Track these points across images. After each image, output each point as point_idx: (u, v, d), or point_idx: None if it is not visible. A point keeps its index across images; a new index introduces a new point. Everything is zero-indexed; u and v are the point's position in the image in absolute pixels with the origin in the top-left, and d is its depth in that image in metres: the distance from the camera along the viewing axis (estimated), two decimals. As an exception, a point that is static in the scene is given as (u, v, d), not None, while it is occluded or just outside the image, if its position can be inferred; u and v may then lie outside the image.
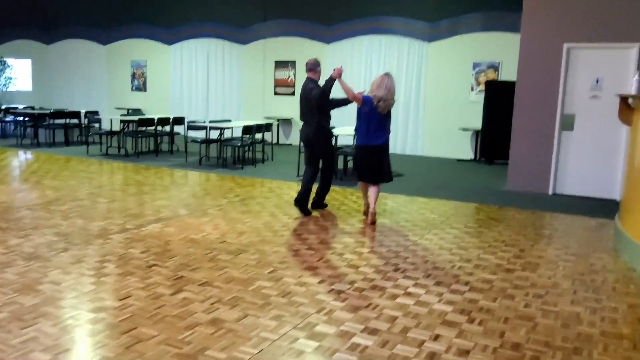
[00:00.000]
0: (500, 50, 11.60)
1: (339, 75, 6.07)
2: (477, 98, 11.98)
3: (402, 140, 12.99)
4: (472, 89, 12.10)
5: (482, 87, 11.81)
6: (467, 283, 4.38)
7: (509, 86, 10.11)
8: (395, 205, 7.16)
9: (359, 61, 13.23)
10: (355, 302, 3.90)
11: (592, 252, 5.36)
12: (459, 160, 11.92)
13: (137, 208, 6.49)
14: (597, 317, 3.80)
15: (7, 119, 13.64)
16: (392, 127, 13.54)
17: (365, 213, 6.48)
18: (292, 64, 13.96)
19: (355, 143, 6.33)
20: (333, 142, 6.79)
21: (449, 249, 5.28)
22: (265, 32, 14.28)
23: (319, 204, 6.83)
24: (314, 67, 6.55)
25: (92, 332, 3.28)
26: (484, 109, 11.39)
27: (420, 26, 12.50)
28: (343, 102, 6.59)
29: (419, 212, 6.83)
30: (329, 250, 5.10)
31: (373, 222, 6.14)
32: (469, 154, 12.20)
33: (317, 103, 6.31)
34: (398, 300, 3.97)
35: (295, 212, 6.58)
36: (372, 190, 6.21)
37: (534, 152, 8.34)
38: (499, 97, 10.85)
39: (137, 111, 16.12)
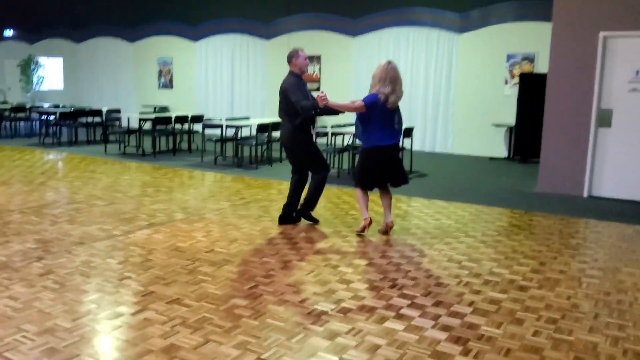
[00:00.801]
0: (536, 41, 10.83)
1: (323, 104, 5.20)
2: (511, 92, 11.26)
3: (430, 137, 12.37)
4: (506, 82, 11.39)
5: (516, 80, 11.08)
6: (471, 303, 3.85)
7: (546, 79, 9.38)
8: (409, 210, 6.63)
9: (386, 55, 12.63)
10: (336, 326, 3.43)
11: (622, 266, 4.73)
12: (491, 159, 11.24)
13: (133, 212, 6.18)
14: (619, 350, 3.22)
15: (33, 118, 13.68)
16: (420, 124, 13.16)
17: (368, 225, 5.50)
18: (317, 58, 13.50)
19: (364, 145, 5.41)
20: (313, 143, 5.75)
21: (459, 262, 4.74)
22: (289, 26, 13.88)
23: (305, 214, 5.84)
24: (289, 59, 5.57)
25: (28, 360, 2.93)
26: (518, 104, 10.69)
27: (450, 17, 11.84)
28: (333, 112, 5.62)
29: (434, 217, 6.28)
30: (323, 261, 4.65)
31: (386, 233, 5.52)
32: (502, 152, 11.50)
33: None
34: (386, 324, 3.48)
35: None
36: (388, 198, 5.53)
37: (567, 151, 7.65)
38: (534, 91, 10.09)
39: (163, 109, 16.01)
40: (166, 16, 15.88)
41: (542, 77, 10.07)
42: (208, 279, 4.17)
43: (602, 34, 7.24)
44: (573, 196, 7.55)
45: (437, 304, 3.83)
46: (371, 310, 3.69)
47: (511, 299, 3.95)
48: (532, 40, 10.94)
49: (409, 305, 3.78)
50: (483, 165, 10.44)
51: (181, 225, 5.67)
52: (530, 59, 11.06)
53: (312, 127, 5.70)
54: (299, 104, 5.32)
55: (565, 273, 4.52)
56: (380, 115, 5.22)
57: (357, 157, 5.67)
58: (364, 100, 5.20)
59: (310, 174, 5.71)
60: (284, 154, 10.64)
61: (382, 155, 5.34)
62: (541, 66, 10.72)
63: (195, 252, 4.81)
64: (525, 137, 10.55)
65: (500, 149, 11.53)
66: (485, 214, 6.48)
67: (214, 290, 3.94)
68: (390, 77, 5.17)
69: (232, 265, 4.47)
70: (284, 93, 5.46)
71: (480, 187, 8.20)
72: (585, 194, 7.59)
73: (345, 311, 3.66)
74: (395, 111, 5.34)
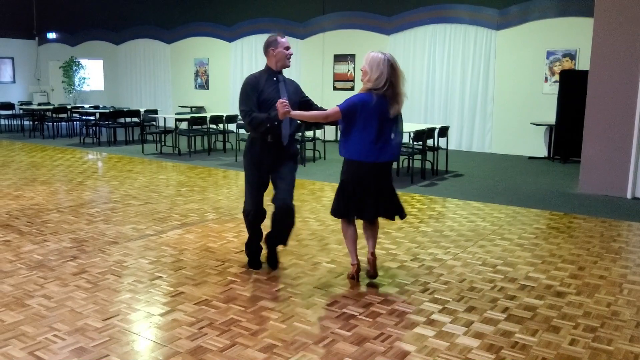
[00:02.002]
0: (578, 37, 10.50)
1: (284, 115, 3.87)
2: (552, 90, 10.95)
3: (467, 136, 12.13)
4: (546, 79, 11.08)
5: (557, 77, 10.76)
6: (505, 309, 3.73)
7: (587, 76, 9.08)
8: (443, 211, 6.50)
9: (422, 53, 12.48)
10: (365, 331, 3.37)
11: (668, 272, 4.51)
12: (530, 158, 10.96)
13: (166, 212, 6.24)
14: (663, 362, 3.06)
15: (74, 118, 14.02)
16: (457, 123, 12.92)
17: (356, 273, 4.17)
18: (352, 57, 13.42)
19: (349, 158, 4.01)
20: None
21: (493, 266, 4.61)
22: (324, 25, 13.83)
23: (271, 255, 4.45)
24: (265, 48, 4.14)
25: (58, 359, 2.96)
26: (559, 102, 10.37)
27: (488, 13, 11.59)
28: (295, 126, 4.30)
29: (469, 219, 6.14)
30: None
31: (374, 276, 4.17)
32: (542, 151, 11.19)
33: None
34: (416, 330, 3.40)
35: (329, 217, 6.07)
36: (374, 230, 4.22)
37: (610, 151, 7.37)
38: (575, 89, 9.75)
39: (200, 109, 16.19)
40: (202, 17, 16.04)
41: (583, 75, 9.73)
42: (237, 280, 4.16)
43: (647, 29, 6.95)
44: (616, 198, 7.28)
45: (470, 309, 3.72)
46: (401, 315, 3.61)
47: (547, 305, 3.81)
48: (574, 36, 10.61)
49: (440, 311, 3.69)
50: (522, 165, 10.17)
51: (213, 225, 5.69)
52: (571, 55, 10.73)
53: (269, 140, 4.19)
54: (248, 116, 4.02)
55: (606, 278, 4.34)
56: (373, 120, 3.87)
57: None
58: (340, 105, 3.90)
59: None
60: (319, 153, 10.63)
61: (369, 173, 3.98)
62: (582, 63, 10.38)
63: (226, 252, 4.81)
64: (566, 136, 10.23)
65: (539, 148, 11.22)
66: (522, 216, 6.29)
67: (243, 292, 3.92)
68: (388, 74, 3.83)
69: (262, 267, 4.45)
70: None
71: (518, 187, 7.98)
72: (628, 196, 7.30)
73: (374, 315, 3.59)
74: (395, 120, 3.97)
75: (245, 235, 5.30)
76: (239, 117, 12.38)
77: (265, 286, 4.04)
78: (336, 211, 4.12)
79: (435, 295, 3.95)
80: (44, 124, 13.99)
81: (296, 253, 4.83)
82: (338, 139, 12.76)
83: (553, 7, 10.84)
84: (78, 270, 4.31)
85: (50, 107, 14.33)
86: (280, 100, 3.87)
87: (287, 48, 4.13)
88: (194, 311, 3.59)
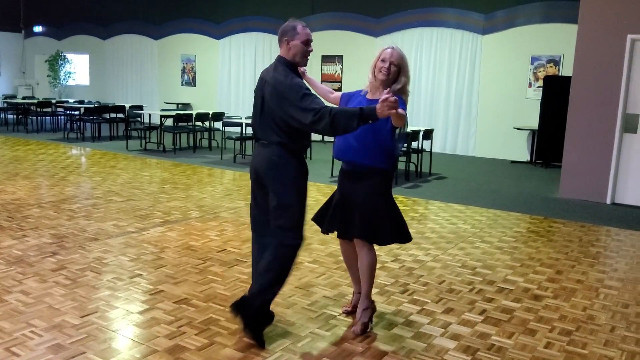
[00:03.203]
0: (562, 43, 10.62)
1: (391, 113, 2.88)
2: (535, 95, 11.07)
3: (452, 139, 12.22)
4: (530, 85, 11.20)
5: (540, 83, 10.88)
6: (482, 312, 3.77)
7: (570, 82, 9.19)
8: (425, 213, 6.55)
9: (409, 56, 12.36)
10: (343, 331, 3.39)
11: (644, 277, 4.59)
12: (512, 162, 11.07)
13: (148, 209, 6.21)
14: (635, 366, 3.12)
15: (59, 113, 13.89)
16: (441, 126, 13.04)
17: (354, 307, 3.57)
18: (339, 58, 13.45)
19: (387, 166, 3.43)
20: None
21: (473, 268, 4.65)
22: (312, 25, 13.83)
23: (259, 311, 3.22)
24: (282, 35, 3.17)
25: (33, 357, 2.94)
26: (542, 107, 10.48)
27: (474, 18, 11.69)
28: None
29: (451, 221, 6.19)
30: (335, 264, 4.60)
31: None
32: (524, 156, 11.31)
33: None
34: (394, 330, 3.43)
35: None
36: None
37: (591, 156, 7.47)
38: (558, 94, 9.86)
39: (186, 106, 16.13)
40: (190, 14, 15.98)
41: (567, 80, 9.83)
42: (218, 278, 4.16)
43: (630, 37, 7.05)
44: (595, 203, 7.38)
45: (448, 311, 3.76)
46: (380, 316, 3.64)
47: (525, 308, 3.86)
48: (558, 42, 10.73)
49: (418, 312, 3.72)
50: (504, 168, 10.27)
51: (195, 223, 5.68)
52: (555, 61, 10.86)
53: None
54: (329, 114, 2.92)
55: (583, 283, 4.40)
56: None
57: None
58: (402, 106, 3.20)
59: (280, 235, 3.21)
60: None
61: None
62: (566, 69, 10.51)
63: (208, 251, 4.81)
64: (548, 141, 10.34)
65: (522, 152, 11.34)
66: (503, 219, 6.36)
67: (223, 291, 3.92)
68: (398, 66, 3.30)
69: (243, 266, 4.46)
70: (277, 93, 3.06)
71: (499, 191, 8.06)
72: (608, 201, 7.41)
73: (354, 316, 3.61)
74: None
75: (229, 233, 5.31)
76: (227, 115, 12.39)
77: (246, 286, 4.04)
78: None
79: (415, 297, 3.98)
80: (28, 118, 13.85)
81: (278, 253, 4.84)
82: (323, 139, 12.75)
83: (538, 13, 10.96)
84: (57, 266, 4.29)
85: (35, 101, 14.19)
86: (388, 93, 2.87)
87: (307, 42, 3.17)
88: (173, 309, 3.59)
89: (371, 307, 3.44)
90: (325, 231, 3.54)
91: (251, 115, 3.36)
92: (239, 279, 4.17)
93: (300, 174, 3.22)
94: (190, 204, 6.54)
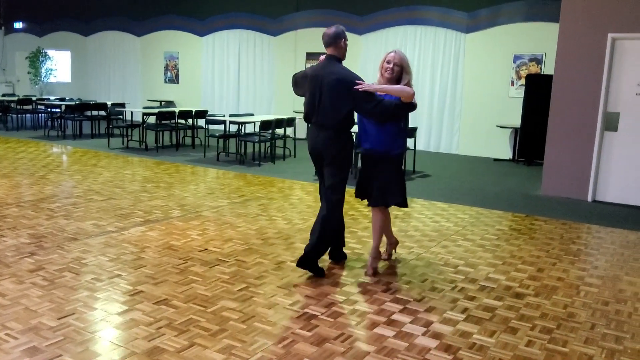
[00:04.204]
0: (545, 42, 10.69)
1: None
2: (518, 93, 11.13)
3: (435, 137, 12.26)
4: (513, 83, 11.26)
5: (523, 81, 10.94)
6: (464, 310, 3.77)
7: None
8: (408, 211, 6.55)
9: (393, 53, 12.52)
10: (325, 331, 3.37)
11: (623, 274, 4.63)
12: (495, 160, 11.13)
13: (129, 208, 6.14)
14: (614, 364, 3.14)
15: (39, 110, 13.69)
16: (425, 124, 13.05)
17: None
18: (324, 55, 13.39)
19: (398, 151, 4.34)
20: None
21: (455, 266, 4.66)
22: (296, 23, 13.80)
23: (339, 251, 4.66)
24: (335, 38, 4.11)
25: (9, 360, 2.89)
26: (524, 105, 10.55)
27: (457, 16, 11.72)
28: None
29: (434, 219, 6.20)
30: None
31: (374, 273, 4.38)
32: (507, 154, 11.38)
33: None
34: (376, 330, 3.42)
35: (296, 215, 6.08)
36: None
37: (572, 154, 7.53)
38: (540, 93, 9.94)
39: (169, 103, 16.00)
40: (174, 10, 15.84)
41: (549, 79, 9.91)
42: (199, 279, 4.12)
43: (610, 36, 7.12)
44: (577, 200, 7.44)
45: (430, 310, 3.76)
46: (363, 315, 3.63)
47: (506, 306, 3.87)
48: (540, 41, 10.80)
49: (401, 311, 3.71)
50: (487, 166, 10.33)
51: (177, 222, 5.63)
52: (537, 60, 10.93)
53: None
54: (382, 103, 4.02)
55: (564, 280, 4.43)
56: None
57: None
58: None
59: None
60: (289, 151, 10.59)
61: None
62: (549, 67, 10.59)
63: (189, 251, 4.76)
64: (531, 139, 10.41)
65: (505, 150, 11.41)
66: (485, 217, 6.39)
67: (204, 292, 3.88)
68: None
69: (225, 266, 4.42)
70: (345, 88, 4.00)
71: (482, 189, 8.10)
72: (589, 199, 7.48)
73: (336, 315, 3.60)
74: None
75: (211, 232, 5.27)
76: (210, 112, 12.30)
77: (228, 286, 4.01)
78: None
79: (397, 295, 3.97)
80: (7, 115, 13.63)
81: (261, 252, 4.81)
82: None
83: (521, 12, 11.02)
84: (35, 267, 4.21)
85: (15, 98, 13.97)
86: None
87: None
88: (152, 311, 3.54)
89: (379, 256, 4.49)
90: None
91: (305, 105, 4.26)
92: (220, 279, 4.13)
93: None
94: (172, 202, 6.48)
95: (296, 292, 3.96)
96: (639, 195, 7.23)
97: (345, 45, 4.18)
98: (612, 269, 4.74)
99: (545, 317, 3.71)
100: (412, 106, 4.08)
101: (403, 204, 4.49)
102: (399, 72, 4.12)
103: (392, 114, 4.06)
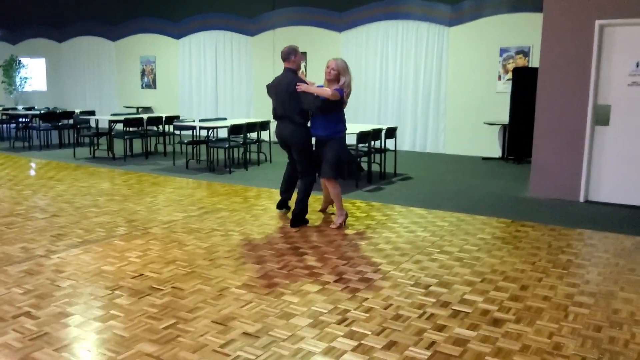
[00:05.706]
0: (531, 33, 10.11)
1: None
2: (505, 88, 10.56)
3: (421, 137, 11.67)
4: (499, 77, 10.68)
5: (510, 75, 10.36)
6: (431, 345, 3.17)
7: (537, 74, 8.66)
8: (382, 220, 5.95)
9: (374, 51, 11.96)
10: (256, 380, 2.77)
11: (618, 289, 4.04)
12: (484, 159, 10.55)
13: (70, 226, 5.53)
14: (607, 414, 2.54)
15: (4, 120, 13.07)
16: (410, 123, 12.44)
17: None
18: (303, 55, 12.79)
19: (338, 135, 5.65)
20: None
21: (426, 286, 4.06)
22: (274, 21, 13.20)
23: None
24: (288, 55, 5.72)
25: None
26: (512, 101, 9.96)
27: (440, 9, 11.14)
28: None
29: (409, 229, 5.60)
30: (267, 288, 3.98)
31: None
32: (496, 152, 10.79)
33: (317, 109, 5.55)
34: (320, 376, 2.82)
35: (255, 230, 5.48)
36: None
37: (561, 152, 6.95)
38: (528, 87, 9.29)
39: (147, 109, 15.40)
40: (148, 13, 15.25)
41: (537, 72, 9.33)
42: (120, 315, 3.51)
43: (598, 23, 6.54)
44: (568, 201, 6.86)
45: (390, 345, 3.16)
46: (306, 356, 3.03)
47: (481, 338, 3.27)
48: (527, 32, 10.22)
49: (354, 349, 3.11)
50: (475, 166, 9.74)
51: (118, 242, 5.02)
52: (524, 52, 10.35)
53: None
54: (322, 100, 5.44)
55: (550, 300, 3.84)
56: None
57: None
58: (340, 92, 5.40)
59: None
60: (264, 156, 9.98)
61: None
62: (536, 60, 9.99)
63: (121, 277, 4.15)
64: (520, 136, 9.83)
65: (493, 148, 10.83)
66: (467, 224, 5.79)
67: (121, 332, 3.27)
68: (350, 77, 5.58)
69: (157, 295, 3.81)
70: (294, 91, 5.48)
71: (467, 191, 7.51)
72: (581, 199, 6.89)
73: (275, 358, 3.00)
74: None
75: (153, 253, 4.66)
76: (190, 117, 11.70)
77: (153, 322, 3.40)
78: (340, 174, 5.63)
79: (353, 328, 3.37)
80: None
81: (204, 276, 4.21)
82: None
83: (506, 3, 10.44)
84: None
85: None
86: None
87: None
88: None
89: (344, 214, 5.69)
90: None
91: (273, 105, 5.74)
92: (146, 314, 3.52)
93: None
94: (120, 218, 5.87)
95: (232, 328, 3.36)
96: (634, 193, 6.65)
97: (298, 59, 5.72)
98: (606, 284, 4.15)
99: (526, 351, 3.11)
100: (340, 102, 5.42)
101: (351, 175, 6.29)
102: (336, 74, 5.44)
103: (323, 108, 5.43)
